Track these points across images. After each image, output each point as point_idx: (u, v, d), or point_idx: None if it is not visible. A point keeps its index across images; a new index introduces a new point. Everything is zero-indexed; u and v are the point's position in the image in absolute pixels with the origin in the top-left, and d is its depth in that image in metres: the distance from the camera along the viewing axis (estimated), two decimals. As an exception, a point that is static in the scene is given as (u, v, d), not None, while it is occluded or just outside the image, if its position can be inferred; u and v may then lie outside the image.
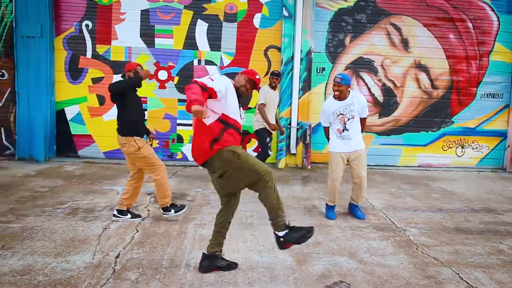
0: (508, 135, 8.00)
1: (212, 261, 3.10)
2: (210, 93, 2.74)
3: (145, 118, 4.41)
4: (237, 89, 3.03)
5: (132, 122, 4.07)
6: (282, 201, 2.99)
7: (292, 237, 2.91)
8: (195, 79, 2.83)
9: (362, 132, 4.53)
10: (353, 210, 4.62)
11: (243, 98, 3.15)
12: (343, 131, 4.37)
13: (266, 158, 6.07)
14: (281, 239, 2.93)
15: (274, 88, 6.17)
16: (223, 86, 2.86)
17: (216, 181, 3.01)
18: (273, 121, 6.15)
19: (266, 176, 2.88)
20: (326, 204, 4.60)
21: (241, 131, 3.09)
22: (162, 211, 4.22)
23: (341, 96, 4.32)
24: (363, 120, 4.51)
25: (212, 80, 2.80)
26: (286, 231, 2.93)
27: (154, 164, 4.11)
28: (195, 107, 2.48)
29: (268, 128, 6.08)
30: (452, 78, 7.84)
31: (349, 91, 4.37)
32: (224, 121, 2.91)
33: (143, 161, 4.09)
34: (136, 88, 4.24)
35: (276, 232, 2.96)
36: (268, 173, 2.89)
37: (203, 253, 3.14)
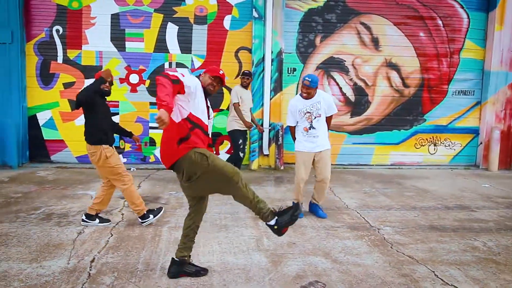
0: (480, 132, 8.05)
1: (181, 267, 3.07)
2: (179, 88, 2.75)
3: (114, 124, 4.32)
4: (204, 89, 3.03)
5: (99, 130, 3.99)
6: (256, 194, 2.98)
7: (284, 220, 2.91)
8: (166, 71, 2.81)
9: (328, 129, 4.56)
10: (314, 210, 4.64)
11: (210, 96, 3.13)
12: (310, 129, 4.40)
13: (239, 159, 6.08)
14: (275, 227, 2.93)
15: (246, 87, 6.23)
16: (193, 84, 2.86)
17: (184, 184, 2.99)
18: (248, 120, 6.21)
19: (235, 177, 2.85)
20: (292, 202, 4.63)
21: (208, 132, 3.08)
22: (140, 220, 4.17)
23: (308, 96, 4.39)
24: (329, 118, 4.54)
25: (183, 75, 2.82)
26: (276, 218, 2.93)
27: (120, 174, 4.06)
28: (162, 113, 2.49)
29: (242, 128, 6.14)
30: (423, 76, 7.88)
31: (316, 91, 4.42)
32: (192, 121, 2.90)
33: (110, 171, 4.05)
34: (105, 96, 4.15)
35: (267, 223, 2.96)
36: (236, 174, 2.87)
37: (172, 258, 3.14)
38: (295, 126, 4.59)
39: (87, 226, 4.15)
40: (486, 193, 5.92)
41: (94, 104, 3.96)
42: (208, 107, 3.06)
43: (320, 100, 4.39)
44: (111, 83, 4.08)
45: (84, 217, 4.18)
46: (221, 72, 3.09)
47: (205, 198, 3.19)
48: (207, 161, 2.85)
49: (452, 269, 3.29)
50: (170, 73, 2.79)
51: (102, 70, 4.17)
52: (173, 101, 2.68)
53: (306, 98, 4.39)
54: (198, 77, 3.14)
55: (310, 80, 4.31)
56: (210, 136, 3.11)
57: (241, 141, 6.16)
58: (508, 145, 7.87)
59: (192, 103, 2.89)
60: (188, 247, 3.12)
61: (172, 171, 3.03)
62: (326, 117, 4.49)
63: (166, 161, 2.99)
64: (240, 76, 6.42)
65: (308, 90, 4.33)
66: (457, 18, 7.79)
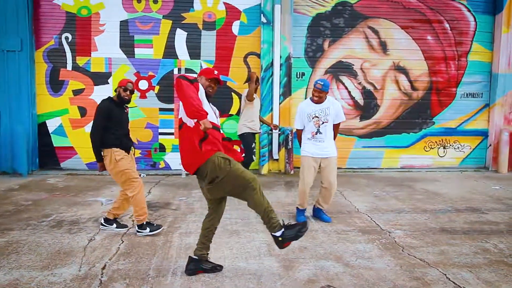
0: (489, 134, 8.06)
1: (198, 264, 3.19)
2: (196, 87, 2.93)
3: (127, 132, 4.31)
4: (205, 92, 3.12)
5: (112, 135, 4.04)
6: (270, 204, 3.06)
7: (289, 234, 2.98)
8: (180, 76, 2.91)
9: (334, 138, 4.56)
10: (318, 214, 4.63)
11: (211, 97, 3.21)
12: (316, 134, 4.41)
13: (250, 163, 6.13)
14: (279, 239, 2.99)
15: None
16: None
17: (206, 187, 3.06)
18: (258, 124, 6.32)
19: (254, 183, 2.94)
20: (297, 207, 4.64)
21: (220, 129, 3.18)
22: (137, 228, 4.12)
23: (319, 101, 4.40)
24: (336, 126, 4.54)
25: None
26: (282, 230, 2.99)
27: (129, 180, 4.02)
28: (207, 123, 2.74)
29: (252, 131, 6.21)
30: (432, 79, 7.90)
31: (326, 96, 4.44)
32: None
33: (119, 175, 4.03)
34: (124, 105, 4.21)
35: (273, 233, 3.02)
36: (254, 180, 2.96)
37: (190, 256, 3.22)
38: (302, 130, 4.60)
39: (105, 230, 4.17)
40: (496, 195, 5.92)
41: (110, 113, 4.04)
42: (212, 109, 3.19)
43: (329, 106, 4.40)
44: (132, 92, 4.17)
45: (102, 221, 4.23)
46: (215, 72, 3.21)
47: (224, 201, 3.26)
48: (229, 165, 2.95)
49: (463, 271, 3.29)
50: (184, 77, 2.92)
51: (125, 79, 4.25)
52: (206, 112, 2.82)
53: (317, 102, 4.41)
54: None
55: (322, 84, 4.34)
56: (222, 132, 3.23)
57: (253, 144, 6.21)
58: (517, 147, 7.88)
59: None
60: (206, 246, 3.24)
61: (195, 175, 3.10)
62: (334, 125, 4.49)
63: (191, 167, 3.07)
64: (248, 81, 6.46)
65: (320, 94, 4.35)
66: (464, 21, 7.83)
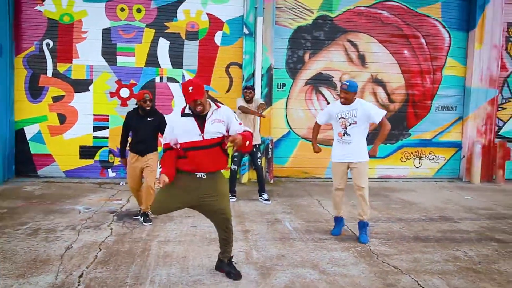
0: (462, 146, 8.33)
1: (220, 264, 3.47)
2: (171, 146, 3.20)
3: (143, 138, 4.83)
4: (194, 109, 3.08)
5: (132, 140, 4.91)
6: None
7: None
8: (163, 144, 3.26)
9: (382, 140, 4.39)
10: (359, 229, 4.43)
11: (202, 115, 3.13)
12: (344, 135, 4.32)
13: (231, 172, 6.03)
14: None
15: (248, 101, 6.00)
16: (171, 128, 3.17)
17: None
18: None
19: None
20: (334, 217, 4.64)
21: (205, 146, 3.09)
22: (143, 218, 4.82)
23: (346, 102, 4.31)
24: (382, 126, 4.32)
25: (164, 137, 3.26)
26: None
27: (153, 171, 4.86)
28: (163, 177, 3.09)
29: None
30: (408, 92, 8.15)
31: (355, 98, 4.33)
32: (184, 148, 3.12)
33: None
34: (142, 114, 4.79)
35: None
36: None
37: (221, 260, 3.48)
38: (319, 126, 4.65)
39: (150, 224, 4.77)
40: (469, 205, 6.12)
41: (127, 122, 4.90)
42: (204, 121, 3.09)
43: (357, 108, 4.26)
44: (150, 100, 4.72)
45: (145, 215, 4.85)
46: (190, 90, 2.97)
47: (214, 213, 3.32)
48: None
49: (434, 278, 3.41)
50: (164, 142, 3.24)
51: (141, 91, 4.98)
52: (168, 163, 3.17)
53: (344, 103, 4.31)
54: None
55: (348, 84, 4.26)
56: (210, 145, 3.12)
57: (236, 153, 6.06)
58: (489, 159, 8.16)
59: (178, 136, 3.16)
60: (222, 251, 3.45)
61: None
62: (379, 125, 4.34)
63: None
64: (242, 90, 6.41)
65: (346, 94, 4.24)
66: (439, 37, 8.13)
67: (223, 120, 3.12)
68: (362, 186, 4.31)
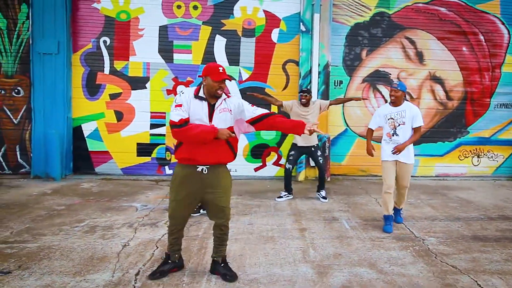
0: (522, 144, 8.17)
1: (215, 266, 3.31)
2: (186, 121, 2.90)
3: None
4: (210, 93, 2.95)
5: None
6: None
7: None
8: (171, 119, 2.96)
9: (411, 142, 4.52)
10: (394, 214, 4.81)
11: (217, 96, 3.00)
12: (393, 136, 4.52)
13: (286, 170, 5.87)
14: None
15: (304, 105, 5.75)
16: (183, 102, 2.93)
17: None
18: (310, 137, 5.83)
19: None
20: (383, 215, 4.68)
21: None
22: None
23: (396, 101, 4.50)
24: (415, 131, 4.51)
25: (178, 106, 2.92)
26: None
27: None
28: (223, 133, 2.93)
29: (297, 143, 5.82)
30: (466, 89, 8.01)
31: (404, 99, 4.54)
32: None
33: None
34: None
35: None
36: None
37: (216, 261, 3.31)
38: (372, 131, 4.80)
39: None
40: (528, 204, 5.98)
41: None
42: (213, 110, 2.97)
43: (405, 109, 4.51)
44: None
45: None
46: (220, 70, 2.91)
47: (214, 209, 3.17)
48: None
49: (494, 278, 3.34)
50: (172, 118, 2.92)
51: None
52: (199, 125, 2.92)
53: (394, 103, 4.53)
54: (201, 83, 3.05)
55: (397, 83, 4.50)
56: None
57: (292, 152, 5.94)
58: (548, 157, 8.00)
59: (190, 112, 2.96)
60: (214, 250, 3.33)
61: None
62: (413, 129, 4.52)
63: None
64: (298, 93, 6.31)
65: (396, 93, 4.45)
66: (498, 34, 7.98)
67: (231, 110, 3.00)
68: (406, 186, 4.63)
